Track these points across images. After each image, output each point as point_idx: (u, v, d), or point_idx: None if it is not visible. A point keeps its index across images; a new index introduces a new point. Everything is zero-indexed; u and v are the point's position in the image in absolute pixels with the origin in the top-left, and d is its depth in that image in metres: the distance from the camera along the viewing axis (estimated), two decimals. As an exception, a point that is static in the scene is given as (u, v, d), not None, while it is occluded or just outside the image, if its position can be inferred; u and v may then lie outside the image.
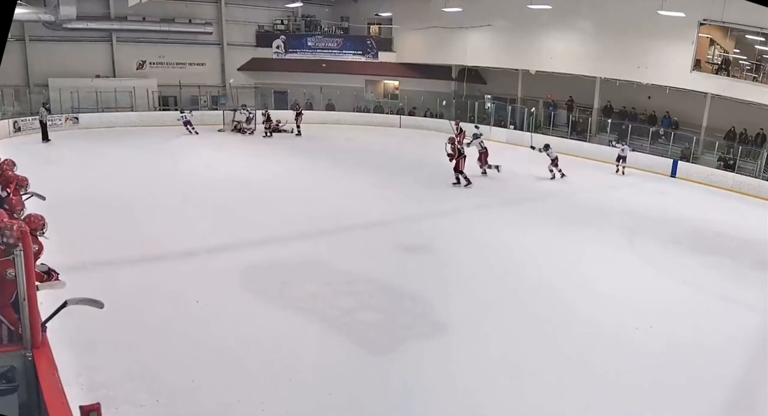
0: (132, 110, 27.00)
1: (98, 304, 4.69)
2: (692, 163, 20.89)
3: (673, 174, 20.63)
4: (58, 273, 6.17)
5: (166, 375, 6.67)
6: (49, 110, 24.10)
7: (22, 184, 7.85)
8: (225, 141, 23.74)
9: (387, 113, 30.18)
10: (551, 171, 18.61)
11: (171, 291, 8.83)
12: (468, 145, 18.17)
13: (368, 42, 31.26)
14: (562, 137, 24.69)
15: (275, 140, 24.30)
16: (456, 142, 16.91)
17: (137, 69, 29.22)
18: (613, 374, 7.14)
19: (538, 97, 27.45)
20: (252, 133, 25.02)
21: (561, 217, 14.25)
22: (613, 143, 21.13)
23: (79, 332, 6.96)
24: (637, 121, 23.87)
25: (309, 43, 31.11)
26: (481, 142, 18.73)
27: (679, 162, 20.85)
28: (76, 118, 25.53)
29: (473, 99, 28.90)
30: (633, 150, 20.88)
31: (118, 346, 7.18)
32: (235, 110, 26.68)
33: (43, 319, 4.39)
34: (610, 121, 24.20)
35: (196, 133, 24.36)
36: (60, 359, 4.31)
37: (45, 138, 22.30)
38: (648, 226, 13.83)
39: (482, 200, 15.69)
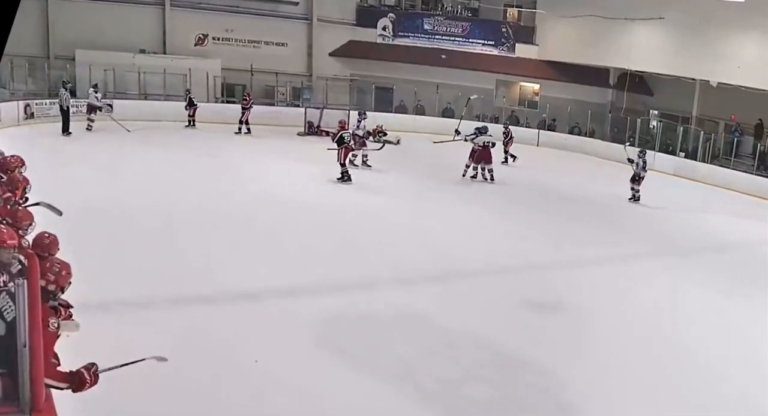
0: (185, 100, 25.07)
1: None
2: None
3: None
4: (71, 307, 5.87)
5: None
6: (72, 92, 22.34)
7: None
8: (303, 148, 22.92)
9: (520, 125, 28.58)
10: (467, 166, 19.69)
11: (221, 345, 8.57)
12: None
13: (503, 29, 30.41)
14: (746, 172, 23.79)
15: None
16: (343, 127, 17.91)
17: (196, 45, 28.01)
18: None
19: (718, 117, 26.54)
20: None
21: (738, 276, 13.58)
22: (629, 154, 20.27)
23: (95, 394, 6.47)
24: None
25: (426, 26, 30.28)
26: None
27: None
28: (110, 106, 23.45)
29: (634, 114, 28.05)
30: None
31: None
32: (321, 109, 25.74)
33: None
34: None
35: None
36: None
37: (66, 130, 21.09)
38: None
39: (637, 247, 15.28)
